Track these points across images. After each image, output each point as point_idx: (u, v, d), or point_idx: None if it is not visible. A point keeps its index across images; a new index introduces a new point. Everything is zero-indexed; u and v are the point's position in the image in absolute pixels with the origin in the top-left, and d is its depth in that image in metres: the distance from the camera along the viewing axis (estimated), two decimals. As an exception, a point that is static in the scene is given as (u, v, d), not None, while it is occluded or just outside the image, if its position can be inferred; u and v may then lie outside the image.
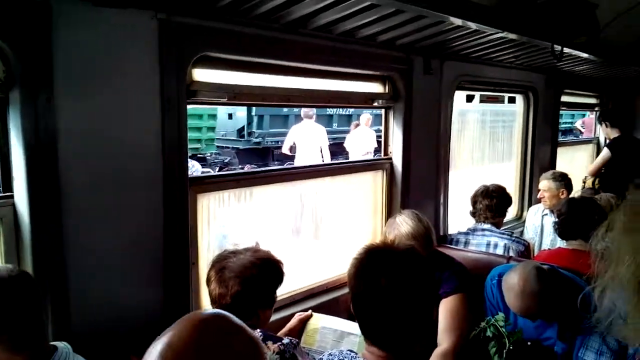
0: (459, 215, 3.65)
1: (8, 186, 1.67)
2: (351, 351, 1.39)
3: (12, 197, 1.66)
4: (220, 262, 1.80)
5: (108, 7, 1.72)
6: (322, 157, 8.30)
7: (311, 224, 2.81)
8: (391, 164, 3.13)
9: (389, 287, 1.26)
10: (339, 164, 3.00)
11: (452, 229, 3.54)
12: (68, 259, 1.70)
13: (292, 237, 2.75)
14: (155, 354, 0.81)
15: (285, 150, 9.16)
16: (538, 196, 3.97)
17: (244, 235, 2.40)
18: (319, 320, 2.35)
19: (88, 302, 1.77)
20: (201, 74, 2.10)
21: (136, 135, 1.88)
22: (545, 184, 3.87)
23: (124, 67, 1.82)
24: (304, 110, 8.38)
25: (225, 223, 2.34)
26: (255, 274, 1.76)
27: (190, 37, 1.97)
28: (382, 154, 3.20)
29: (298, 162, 8.29)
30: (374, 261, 1.31)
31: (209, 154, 12.36)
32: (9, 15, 1.54)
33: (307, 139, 8.40)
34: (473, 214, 3.32)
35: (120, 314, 1.84)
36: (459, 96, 3.65)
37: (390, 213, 3.06)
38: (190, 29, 1.96)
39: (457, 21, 2.48)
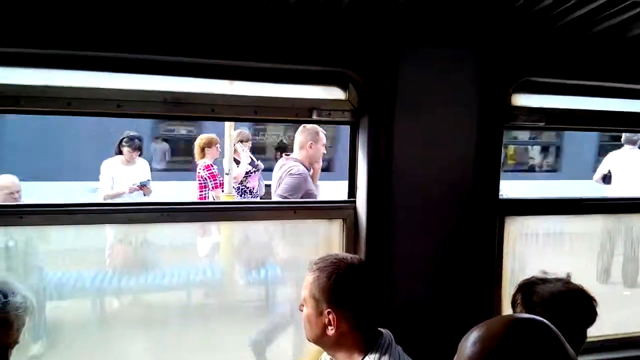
0: None
1: (352, 193, 2.08)
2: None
3: (354, 202, 2.06)
4: (529, 287, 1.78)
5: (438, 46, 1.95)
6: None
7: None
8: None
9: None
10: None
11: None
12: (393, 257, 1.99)
13: (603, 276, 2.46)
14: (468, 342, 0.95)
15: (596, 179, 8.05)
16: None
17: (554, 263, 2.29)
18: None
19: (407, 296, 2.01)
20: (520, 99, 2.13)
21: (454, 157, 2.05)
22: None
23: (447, 96, 2.01)
24: (625, 135, 7.19)
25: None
26: (565, 305, 1.68)
27: (510, 64, 2.03)
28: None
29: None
30: None
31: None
32: (362, 53, 1.89)
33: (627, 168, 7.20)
34: None
35: (432, 313, 2.03)
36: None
37: None
38: (510, 56, 2.03)
39: None
